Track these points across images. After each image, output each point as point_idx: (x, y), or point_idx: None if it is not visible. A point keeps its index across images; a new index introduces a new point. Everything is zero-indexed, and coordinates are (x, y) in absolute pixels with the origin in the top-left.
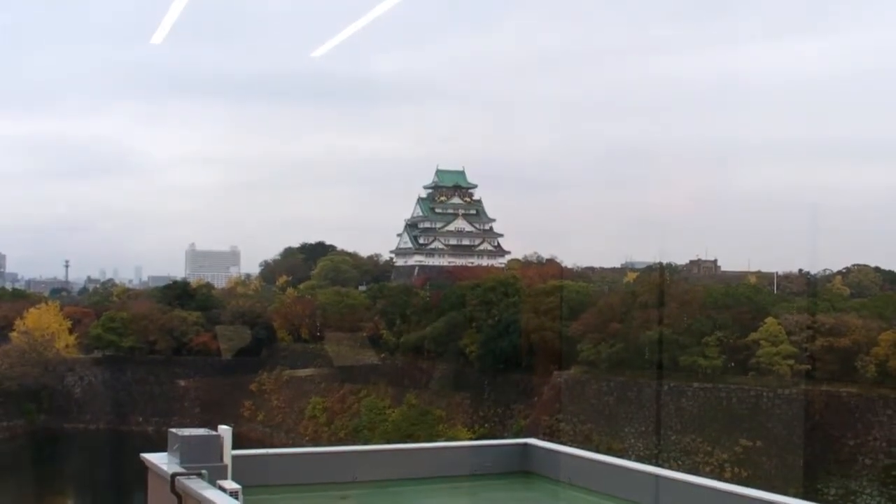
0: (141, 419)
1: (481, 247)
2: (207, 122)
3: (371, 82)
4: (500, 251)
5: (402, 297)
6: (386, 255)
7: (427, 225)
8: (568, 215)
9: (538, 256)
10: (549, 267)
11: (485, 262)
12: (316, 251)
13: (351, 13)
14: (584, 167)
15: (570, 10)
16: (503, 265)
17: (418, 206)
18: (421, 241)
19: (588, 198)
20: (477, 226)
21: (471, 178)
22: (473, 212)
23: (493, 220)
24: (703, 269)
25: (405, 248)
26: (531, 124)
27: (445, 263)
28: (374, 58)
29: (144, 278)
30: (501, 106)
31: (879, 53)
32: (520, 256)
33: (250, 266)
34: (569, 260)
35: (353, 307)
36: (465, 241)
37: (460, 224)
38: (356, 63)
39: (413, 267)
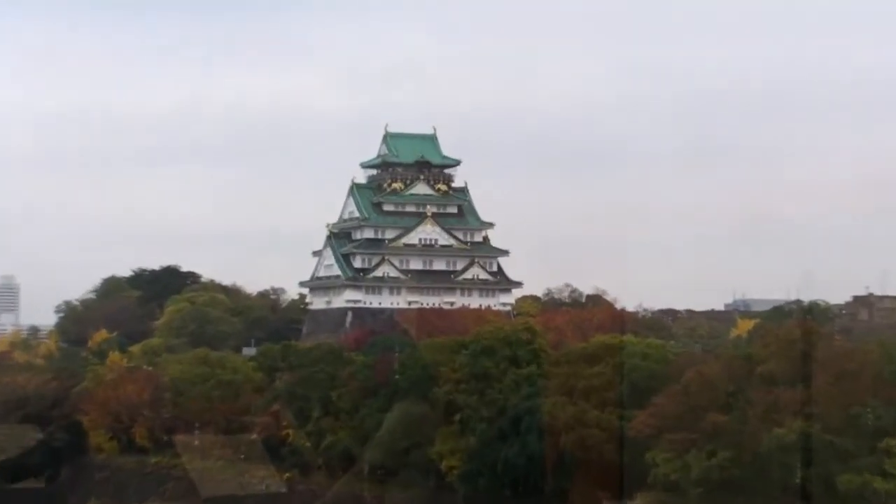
0: None
1: (468, 273)
2: None
3: None
4: (502, 281)
5: (321, 369)
6: (293, 291)
7: (367, 234)
8: (625, 215)
9: (572, 291)
10: (592, 311)
11: (475, 300)
12: (162, 283)
13: None
14: (654, 125)
15: None
16: (509, 307)
17: (352, 200)
18: (357, 263)
19: (663, 182)
20: (460, 236)
21: (447, 149)
22: (452, 209)
23: (490, 226)
24: (879, 312)
25: (328, 279)
26: (561, 49)
27: (402, 304)
28: None
29: None
30: (504, 18)
31: None
32: (539, 291)
33: (39, 311)
34: (628, 297)
35: (232, 387)
36: (439, 264)
37: (429, 231)
38: None
39: (342, 311)
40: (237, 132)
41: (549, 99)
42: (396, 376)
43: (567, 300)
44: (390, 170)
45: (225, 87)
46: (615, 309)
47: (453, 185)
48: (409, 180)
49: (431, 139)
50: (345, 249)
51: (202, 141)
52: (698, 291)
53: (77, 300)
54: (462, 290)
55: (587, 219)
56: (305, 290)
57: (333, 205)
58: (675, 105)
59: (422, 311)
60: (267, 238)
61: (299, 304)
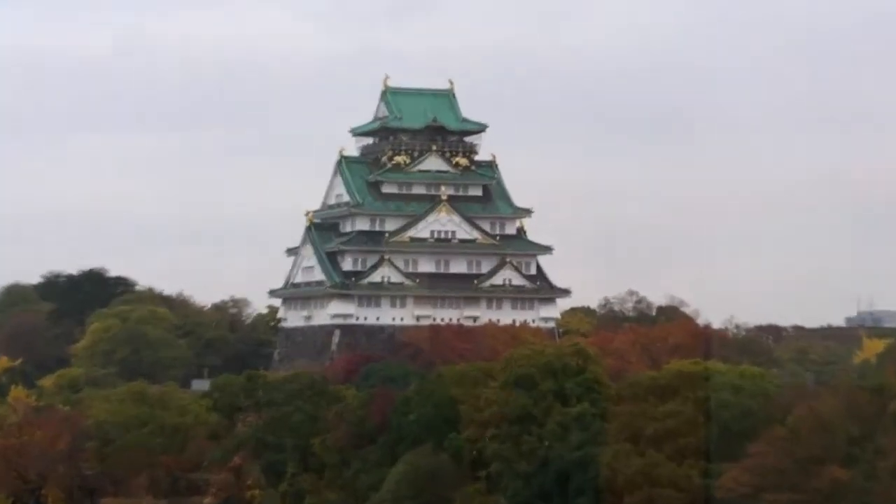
0: None
1: (498, 278)
2: None
3: None
4: (544, 288)
5: (299, 408)
6: (260, 303)
7: (361, 225)
8: (711, 200)
9: (638, 301)
10: (665, 328)
11: (507, 314)
12: (83, 293)
13: None
14: (753, 77)
15: None
16: (552, 323)
17: (340, 179)
18: (347, 264)
19: (763, 156)
20: (486, 227)
21: (469, 110)
22: (476, 191)
23: (527, 213)
24: None
25: (307, 286)
26: None
27: (407, 320)
28: None
29: None
30: None
31: None
32: (594, 301)
33: None
34: (714, 309)
35: (178, 433)
36: (458, 265)
37: (444, 221)
38: None
39: (327, 329)
40: (183, 87)
41: (607, 41)
42: (401, 417)
43: (631, 313)
44: (391, 138)
45: (167, 28)
46: (696, 325)
47: (476, 157)
48: (418, 152)
49: (447, 97)
50: (330, 246)
51: (135, 99)
52: (810, 302)
53: None
54: (489, 300)
55: (659, 204)
56: (277, 302)
57: (315, 186)
58: (786, 51)
59: (435, 330)
60: (225, 231)
61: (269, 321)
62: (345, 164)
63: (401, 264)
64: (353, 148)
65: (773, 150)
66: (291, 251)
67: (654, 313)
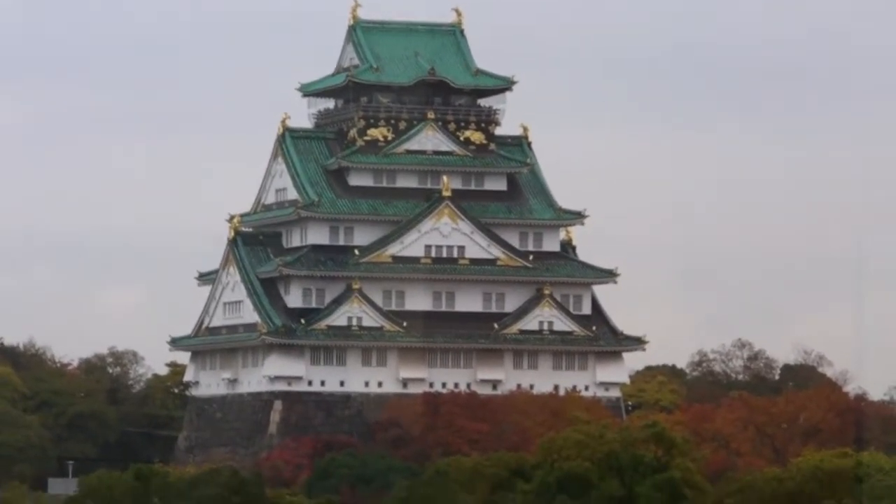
0: None
1: (531, 319)
2: None
3: None
4: (604, 336)
5: None
6: (156, 358)
7: (315, 236)
8: (862, 207)
9: (751, 357)
10: (795, 398)
11: (546, 377)
12: None
13: None
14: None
15: None
16: (617, 390)
17: (282, 165)
18: (293, 299)
19: None
20: (513, 241)
21: (485, 58)
22: (497, 184)
23: (579, 218)
24: None
25: (231, 331)
26: None
27: (388, 385)
28: None
29: None
30: None
31: None
32: (682, 357)
33: None
34: (872, 371)
35: None
36: (468, 299)
37: (446, 230)
38: None
39: (262, 400)
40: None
41: None
42: None
43: (742, 376)
44: (363, 100)
45: None
46: (844, 395)
47: (498, 131)
48: (405, 122)
49: (452, 35)
50: (267, 270)
51: None
52: None
53: None
54: (518, 354)
55: (784, 208)
56: (184, 357)
57: (243, 176)
58: None
59: (432, 402)
60: (99, 248)
61: (170, 387)
62: (290, 140)
63: (378, 299)
64: (302, 115)
65: None
66: (205, 278)
67: (777, 376)
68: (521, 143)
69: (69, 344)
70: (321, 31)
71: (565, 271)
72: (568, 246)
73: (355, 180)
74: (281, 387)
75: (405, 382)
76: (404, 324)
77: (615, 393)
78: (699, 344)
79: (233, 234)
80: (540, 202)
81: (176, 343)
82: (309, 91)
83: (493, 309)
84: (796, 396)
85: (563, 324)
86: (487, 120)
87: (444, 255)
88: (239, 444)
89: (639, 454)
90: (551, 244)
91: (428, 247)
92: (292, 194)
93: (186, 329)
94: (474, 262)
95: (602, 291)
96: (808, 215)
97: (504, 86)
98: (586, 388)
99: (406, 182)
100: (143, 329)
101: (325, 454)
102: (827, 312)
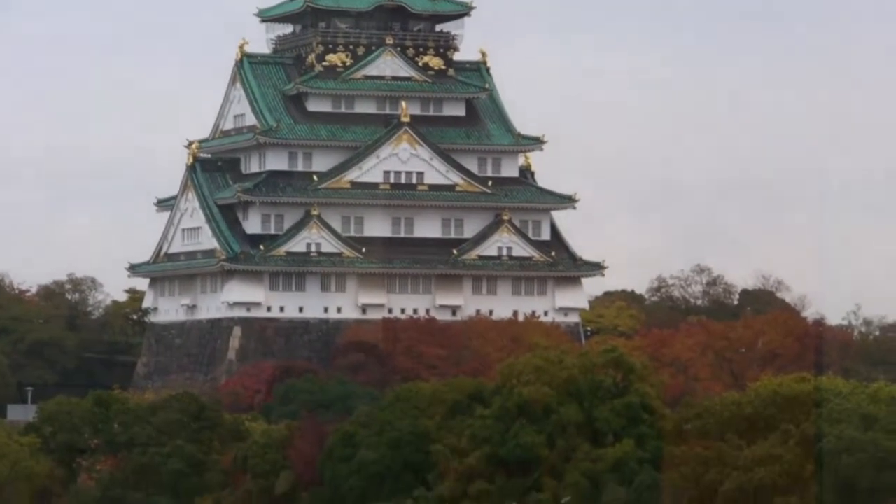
0: None
1: (491, 245)
2: None
3: None
4: (563, 262)
5: (176, 449)
6: (114, 284)
7: (274, 162)
8: (829, 128)
9: (710, 282)
10: (753, 323)
11: (505, 302)
12: None
13: None
14: None
15: None
16: (576, 316)
17: (240, 90)
18: (252, 225)
19: None
20: (471, 166)
21: None
22: (456, 109)
23: (537, 143)
24: None
25: (189, 258)
26: None
27: (347, 311)
28: None
29: None
30: None
31: None
32: (641, 283)
33: None
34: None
35: None
36: (427, 225)
37: (405, 156)
38: None
39: (221, 326)
40: None
41: None
42: (338, 464)
43: (701, 301)
44: (322, 24)
45: None
46: (803, 321)
47: (456, 56)
48: (363, 47)
49: None
50: (226, 196)
51: None
52: None
53: None
54: (477, 280)
55: (742, 128)
56: (142, 283)
57: (200, 101)
58: None
59: (392, 327)
60: (58, 171)
61: (128, 313)
62: (248, 66)
63: (337, 225)
64: (261, 41)
65: None
66: (164, 204)
67: (736, 301)
68: (479, 69)
69: (27, 270)
70: None
71: (524, 197)
72: (527, 171)
73: (314, 106)
74: (240, 313)
75: (364, 308)
76: (363, 250)
77: (574, 318)
78: (658, 269)
79: (191, 160)
80: (498, 127)
81: (135, 269)
82: (267, 16)
83: (452, 235)
84: (755, 321)
85: (522, 249)
86: (446, 45)
87: (403, 180)
88: (198, 370)
89: (598, 379)
90: (510, 170)
91: (387, 172)
92: (251, 120)
93: (145, 255)
94: (433, 187)
95: (561, 217)
96: (769, 137)
97: (462, 11)
98: (545, 313)
99: (364, 108)
100: (102, 255)
101: (285, 380)
102: (785, 237)
